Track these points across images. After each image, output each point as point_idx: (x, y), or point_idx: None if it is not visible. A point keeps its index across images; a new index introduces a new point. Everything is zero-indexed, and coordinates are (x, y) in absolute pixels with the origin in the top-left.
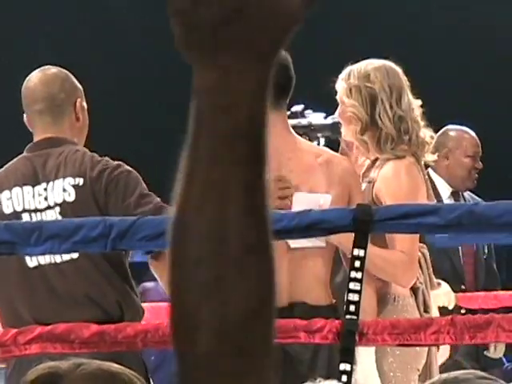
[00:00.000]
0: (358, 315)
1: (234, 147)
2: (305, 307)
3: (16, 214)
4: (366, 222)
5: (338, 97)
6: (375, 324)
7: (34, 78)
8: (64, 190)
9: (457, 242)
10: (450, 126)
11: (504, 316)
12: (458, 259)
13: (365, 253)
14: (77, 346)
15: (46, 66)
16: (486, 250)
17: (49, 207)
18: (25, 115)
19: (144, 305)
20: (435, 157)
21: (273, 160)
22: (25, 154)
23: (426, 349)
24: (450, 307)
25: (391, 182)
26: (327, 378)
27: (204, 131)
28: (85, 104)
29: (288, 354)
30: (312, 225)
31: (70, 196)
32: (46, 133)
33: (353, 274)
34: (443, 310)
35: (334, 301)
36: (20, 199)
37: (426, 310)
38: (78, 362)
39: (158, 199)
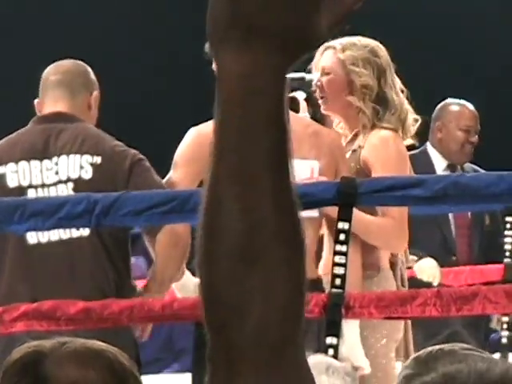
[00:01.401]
0: (343, 288)
1: (267, 128)
2: None
3: (21, 189)
4: (351, 194)
5: (323, 66)
6: (361, 297)
7: (56, 63)
8: (81, 167)
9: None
10: (448, 100)
11: (490, 288)
12: (449, 230)
13: (349, 226)
14: (63, 323)
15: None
16: (488, 222)
17: (60, 181)
18: (36, 100)
19: None
20: (411, 141)
21: None
22: (32, 125)
23: (403, 321)
24: (435, 283)
25: (380, 149)
26: (316, 351)
27: (236, 113)
28: (97, 102)
29: None
30: None
31: (87, 173)
32: (57, 107)
33: (338, 248)
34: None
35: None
36: (27, 174)
37: (403, 284)
38: (62, 340)
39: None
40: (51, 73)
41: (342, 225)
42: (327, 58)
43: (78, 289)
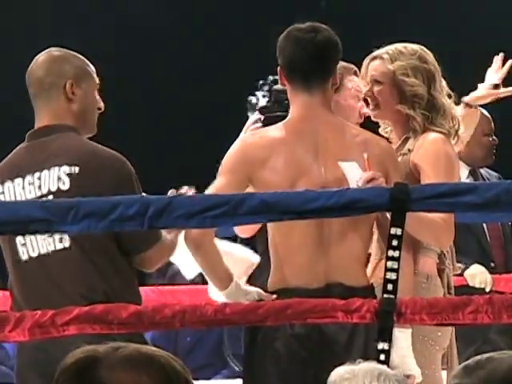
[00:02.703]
0: (395, 294)
1: None
2: (342, 288)
3: None
4: (404, 200)
5: (373, 76)
6: (413, 303)
7: (33, 61)
8: (59, 179)
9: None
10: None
11: None
12: (484, 238)
13: (402, 231)
14: (115, 327)
15: (48, 49)
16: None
17: (42, 195)
18: None
19: (175, 288)
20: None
21: (311, 141)
22: (23, 144)
23: (451, 329)
24: (487, 289)
25: (430, 152)
26: (364, 359)
27: None
28: (87, 85)
29: (325, 335)
30: (350, 203)
31: (65, 185)
32: (41, 120)
33: (390, 253)
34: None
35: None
36: (12, 193)
37: (450, 291)
38: (115, 345)
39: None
40: (27, 85)
41: (394, 230)
42: (376, 67)
43: (65, 301)
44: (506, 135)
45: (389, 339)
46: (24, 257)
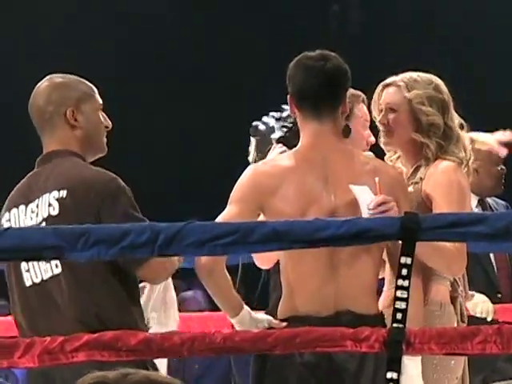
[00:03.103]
0: (404, 323)
1: None
2: (351, 316)
3: None
4: (414, 230)
5: (389, 104)
6: (422, 333)
7: (34, 91)
8: (49, 205)
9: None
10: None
11: None
12: (491, 268)
13: (412, 261)
14: (124, 354)
15: (48, 76)
16: None
17: (39, 223)
18: None
19: (185, 314)
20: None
21: (321, 169)
22: (33, 170)
23: (464, 358)
24: (489, 318)
25: (441, 181)
26: None
27: None
28: (90, 109)
29: (334, 363)
30: (360, 233)
31: (55, 210)
32: (47, 146)
33: (400, 282)
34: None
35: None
36: (17, 220)
37: (463, 319)
38: (124, 371)
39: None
40: (30, 115)
41: (404, 259)
42: (392, 95)
43: (65, 325)
44: None
45: (398, 369)
46: (28, 283)
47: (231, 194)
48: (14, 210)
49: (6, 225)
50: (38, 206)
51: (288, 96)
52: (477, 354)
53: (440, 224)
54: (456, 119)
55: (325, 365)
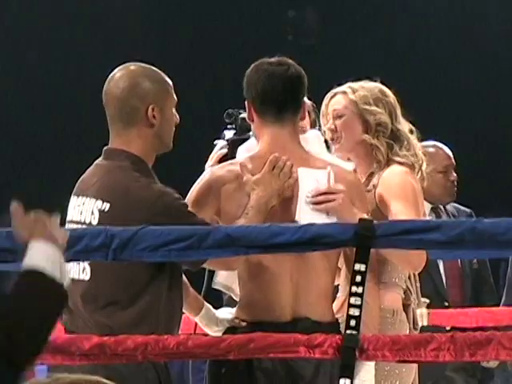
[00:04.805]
0: (358, 330)
1: None
2: (308, 323)
3: (65, 223)
4: (368, 237)
5: (336, 110)
6: (376, 340)
7: (110, 77)
8: (92, 213)
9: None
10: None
11: (504, 333)
12: (438, 276)
13: (366, 268)
14: (77, 358)
15: (125, 64)
16: (475, 261)
17: (79, 222)
18: None
19: None
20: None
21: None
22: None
23: (415, 365)
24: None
25: (394, 185)
26: None
27: None
28: (168, 105)
29: (291, 368)
30: (314, 239)
31: (95, 220)
32: (114, 140)
33: (354, 289)
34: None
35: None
36: (71, 208)
37: (415, 327)
38: (55, 377)
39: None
40: (105, 103)
41: (358, 266)
42: (338, 101)
43: (87, 329)
44: (477, 170)
45: (351, 375)
46: None
47: (187, 197)
48: (73, 198)
49: (69, 210)
50: (83, 204)
51: (246, 102)
52: (430, 361)
53: (394, 231)
54: (405, 124)
55: (282, 370)
